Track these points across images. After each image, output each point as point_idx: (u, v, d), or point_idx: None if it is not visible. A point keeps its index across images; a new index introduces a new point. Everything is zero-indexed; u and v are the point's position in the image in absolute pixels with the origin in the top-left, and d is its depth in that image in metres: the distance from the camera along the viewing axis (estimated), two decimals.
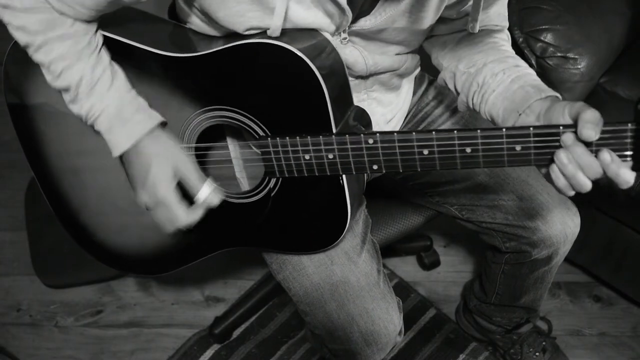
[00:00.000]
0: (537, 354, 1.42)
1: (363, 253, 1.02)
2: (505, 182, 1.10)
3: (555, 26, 1.32)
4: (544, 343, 1.43)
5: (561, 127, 0.73)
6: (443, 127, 1.13)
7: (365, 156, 0.83)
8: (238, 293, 1.65)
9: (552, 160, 0.74)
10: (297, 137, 0.84)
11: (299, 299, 1.03)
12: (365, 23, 0.87)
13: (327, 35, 0.85)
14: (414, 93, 1.16)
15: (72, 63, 0.84)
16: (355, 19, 0.86)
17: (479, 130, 0.76)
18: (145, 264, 1.09)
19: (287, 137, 0.84)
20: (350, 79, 0.88)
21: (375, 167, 0.83)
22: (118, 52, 0.89)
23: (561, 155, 0.73)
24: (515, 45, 1.34)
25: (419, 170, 0.82)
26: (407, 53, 1.00)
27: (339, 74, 0.85)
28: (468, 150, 0.78)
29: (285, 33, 0.82)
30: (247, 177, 1.00)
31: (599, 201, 1.39)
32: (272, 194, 0.91)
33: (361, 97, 0.99)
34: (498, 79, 0.90)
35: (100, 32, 0.88)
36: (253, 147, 0.98)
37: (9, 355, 1.54)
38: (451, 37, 1.01)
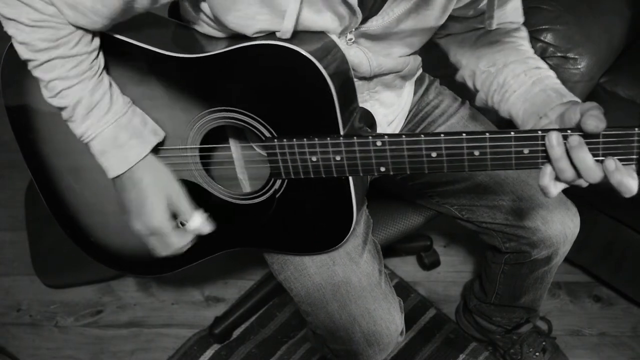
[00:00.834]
0: (537, 354, 1.42)
1: (365, 253, 1.02)
2: (505, 182, 1.10)
3: (555, 26, 1.32)
4: (544, 343, 1.43)
5: (569, 131, 0.73)
6: (443, 127, 1.13)
7: (373, 158, 0.82)
8: (238, 293, 1.65)
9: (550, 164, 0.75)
10: (304, 139, 0.83)
11: (301, 299, 1.03)
12: (372, 24, 0.87)
13: (334, 37, 0.85)
14: (415, 93, 1.16)
15: (72, 85, 0.83)
16: (363, 20, 0.86)
17: (487, 133, 0.76)
18: (145, 264, 1.09)
19: (294, 139, 0.84)
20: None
21: (382, 169, 0.83)
22: (123, 53, 0.88)
23: (562, 163, 0.73)
24: None
25: (426, 172, 0.82)
26: (410, 55, 1.00)
27: (345, 76, 0.85)
28: (476, 153, 0.78)
29: (293, 35, 0.82)
30: (248, 178, 1.00)
31: (599, 201, 1.39)
32: (277, 195, 0.91)
33: (364, 98, 0.99)
34: (520, 80, 0.90)
35: (102, 54, 0.87)
36: (256, 149, 0.98)
37: (9, 355, 1.54)
38: (469, 35, 1.01)
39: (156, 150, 0.91)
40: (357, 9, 0.81)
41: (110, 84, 0.87)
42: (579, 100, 0.85)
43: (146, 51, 0.87)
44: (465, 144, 0.77)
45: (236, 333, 1.56)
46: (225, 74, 0.85)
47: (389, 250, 1.60)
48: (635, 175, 0.72)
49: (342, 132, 0.83)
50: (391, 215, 1.26)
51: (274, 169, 0.88)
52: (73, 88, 0.83)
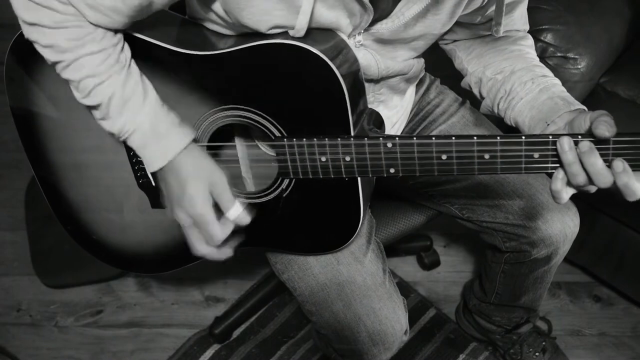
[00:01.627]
0: (537, 354, 1.42)
1: (369, 253, 1.02)
2: (506, 181, 1.10)
3: (555, 26, 1.32)
4: (544, 343, 1.43)
5: (580, 137, 0.74)
6: (444, 126, 1.14)
7: (383, 159, 0.82)
8: (238, 293, 1.65)
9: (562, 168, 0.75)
10: (314, 139, 0.83)
11: (305, 299, 1.03)
12: (382, 26, 0.87)
13: (344, 37, 0.85)
14: (416, 92, 1.16)
15: (103, 80, 0.82)
16: (373, 22, 0.86)
17: (498, 137, 0.76)
18: (146, 262, 1.09)
19: (304, 139, 0.84)
20: None
21: (392, 170, 0.83)
22: (133, 49, 0.88)
23: (574, 168, 0.73)
24: None
25: (436, 174, 0.82)
26: (414, 58, 1.01)
27: (357, 77, 0.85)
28: (486, 156, 0.78)
29: (305, 34, 0.81)
30: (253, 177, 1.00)
31: (599, 201, 1.39)
32: (284, 195, 0.91)
33: (368, 100, 0.99)
34: (527, 88, 0.91)
35: (127, 45, 0.86)
36: (263, 148, 0.98)
37: (9, 355, 1.54)
38: (476, 42, 1.02)
39: None
40: (369, 6, 0.81)
41: (141, 75, 0.86)
42: (585, 108, 0.86)
43: (156, 47, 0.87)
44: (475, 147, 0.78)
45: (236, 333, 1.56)
46: (236, 72, 0.85)
47: (389, 250, 1.59)
48: None
49: (352, 133, 0.83)
50: (392, 214, 1.26)
51: (282, 168, 0.88)
52: (104, 84, 0.82)
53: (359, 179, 0.87)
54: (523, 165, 0.78)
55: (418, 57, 1.03)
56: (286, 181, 0.90)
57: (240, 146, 0.99)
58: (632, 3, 1.42)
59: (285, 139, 0.85)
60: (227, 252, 0.88)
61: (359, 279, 0.99)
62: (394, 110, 1.07)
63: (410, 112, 1.15)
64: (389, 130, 1.07)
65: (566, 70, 1.32)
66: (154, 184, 0.98)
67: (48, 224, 1.71)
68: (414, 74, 1.02)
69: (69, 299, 1.65)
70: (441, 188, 1.16)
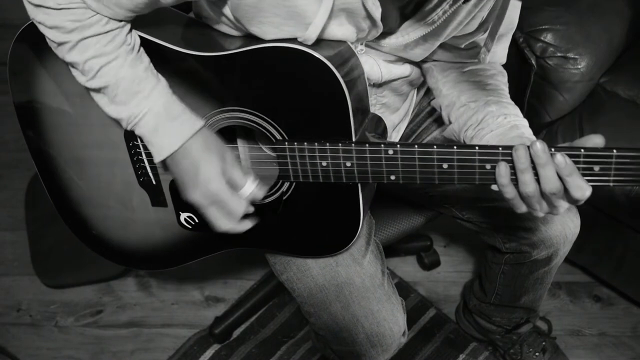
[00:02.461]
0: (537, 354, 1.42)
1: (367, 254, 1.02)
2: None
3: (555, 26, 1.32)
4: (544, 343, 1.43)
5: (582, 150, 0.74)
6: (444, 127, 1.13)
7: (384, 166, 0.82)
8: (238, 293, 1.65)
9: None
10: (315, 143, 0.83)
11: (303, 300, 1.03)
12: (386, 41, 0.88)
13: (349, 43, 0.85)
14: (417, 94, 1.16)
15: (110, 60, 0.81)
16: (379, 37, 0.87)
17: (500, 148, 0.76)
18: (147, 258, 1.09)
19: (305, 143, 0.84)
20: None
21: (393, 177, 0.83)
22: None
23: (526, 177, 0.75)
24: (515, 45, 1.34)
25: (436, 182, 0.82)
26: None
27: (360, 83, 0.85)
28: (487, 166, 0.78)
29: None
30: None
31: (599, 202, 1.39)
32: (284, 198, 0.91)
33: (371, 102, 0.99)
34: (498, 121, 0.91)
35: (135, 32, 0.85)
36: (265, 150, 0.98)
37: (9, 355, 1.54)
38: (454, 67, 1.02)
39: None
40: (380, 24, 0.81)
41: (150, 63, 0.85)
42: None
43: (160, 47, 0.87)
44: (477, 157, 0.78)
45: (236, 333, 1.56)
46: (239, 74, 0.84)
47: (389, 250, 1.60)
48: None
49: (354, 138, 0.83)
50: (392, 215, 1.26)
51: (282, 171, 0.88)
52: (112, 64, 0.81)
53: (359, 184, 0.87)
54: None
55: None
56: (286, 184, 0.90)
57: (242, 148, 0.99)
58: (632, 3, 1.42)
59: (286, 142, 0.85)
60: (247, 224, 0.87)
61: (358, 280, 0.99)
62: (396, 114, 1.07)
63: (412, 114, 1.15)
64: (391, 132, 1.07)
65: (566, 70, 1.32)
66: (154, 182, 0.98)
67: (48, 224, 1.71)
68: (415, 76, 1.02)
69: (69, 299, 1.65)
70: (441, 189, 1.16)
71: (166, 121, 0.83)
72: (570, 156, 0.73)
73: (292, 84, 0.82)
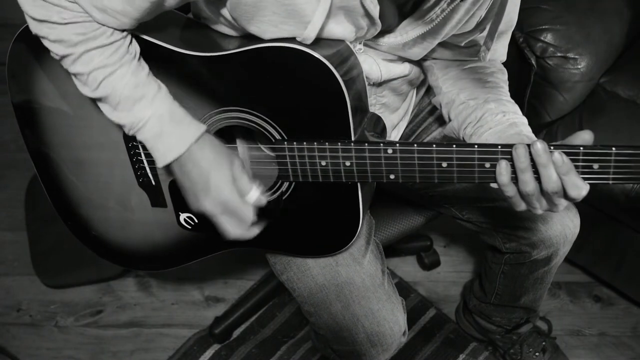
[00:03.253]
0: (537, 354, 1.42)
1: (367, 254, 1.02)
2: None
3: (555, 26, 1.32)
4: (543, 343, 1.43)
5: (581, 148, 0.74)
6: (444, 127, 1.13)
7: (383, 165, 0.82)
8: (238, 293, 1.65)
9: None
10: (315, 143, 0.83)
11: (304, 299, 1.03)
12: (384, 40, 0.88)
13: (348, 42, 0.85)
14: (416, 94, 1.16)
15: (113, 70, 0.81)
16: (378, 35, 0.87)
17: (499, 146, 0.76)
18: (146, 259, 1.09)
19: (304, 142, 0.84)
20: None
21: (392, 176, 0.83)
22: None
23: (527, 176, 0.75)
24: (515, 45, 1.34)
25: (436, 182, 0.82)
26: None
27: (359, 82, 0.85)
28: (487, 165, 0.78)
29: None
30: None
31: (599, 202, 1.39)
32: (284, 198, 0.91)
33: (370, 102, 0.99)
34: (497, 119, 0.91)
35: (135, 40, 0.85)
36: (265, 150, 0.98)
37: (9, 355, 1.54)
38: (454, 65, 1.02)
39: None
40: (378, 21, 0.82)
41: (149, 70, 0.85)
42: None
43: (159, 47, 0.87)
44: (476, 156, 0.78)
45: (236, 333, 1.56)
46: (238, 74, 0.84)
47: (389, 250, 1.60)
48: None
49: (353, 138, 0.83)
50: (392, 215, 1.26)
51: (282, 171, 0.88)
52: (115, 74, 0.81)
53: (358, 183, 0.87)
54: None
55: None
56: (286, 184, 0.90)
57: (241, 148, 0.99)
58: (632, 3, 1.42)
59: (285, 142, 0.85)
60: (255, 230, 0.87)
61: (358, 280, 0.99)
62: (396, 113, 1.07)
63: (411, 113, 1.15)
64: (391, 131, 1.07)
65: (566, 70, 1.32)
66: (154, 182, 0.98)
67: (48, 224, 1.71)
68: (415, 75, 1.02)
69: (69, 299, 1.65)
70: (441, 189, 1.16)
71: (170, 126, 0.82)
72: (569, 154, 0.73)
73: (291, 84, 0.82)
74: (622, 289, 1.58)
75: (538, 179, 0.75)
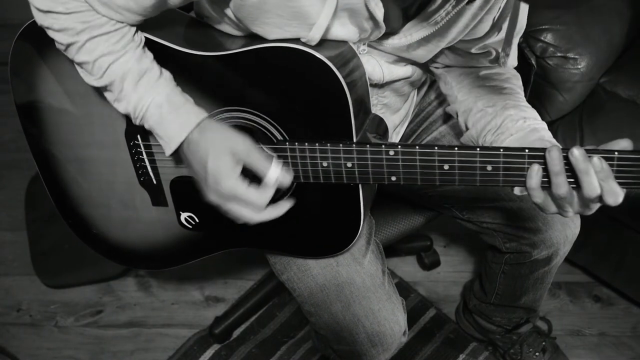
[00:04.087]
0: (537, 354, 1.42)
1: (368, 254, 1.02)
2: None
3: (555, 26, 1.32)
4: (544, 343, 1.43)
5: (616, 152, 0.73)
6: (444, 126, 1.14)
7: (385, 167, 0.82)
8: (238, 293, 1.65)
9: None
10: (316, 144, 0.83)
11: (304, 299, 1.03)
12: (388, 42, 0.88)
13: (351, 44, 0.85)
14: (417, 93, 1.16)
15: (118, 58, 0.81)
16: (382, 37, 0.87)
17: (501, 149, 0.76)
18: (147, 258, 1.09)
19: (306, 143, 0.83)
20: None
21: (393, 178, 0.83)
22: None
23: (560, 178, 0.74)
24: None
25: (437, 184, 0.81)
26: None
27: (361, 84, 0.85)
28: (489, 167, 0.78)
29: None
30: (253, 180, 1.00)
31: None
32: (285, 198, 0.91)
33: (372, 103, 0.99)
34: (518, 125, 0.90)
35: (140, 31, 0.85)
36: (266, 151, 0.98)
37: (9, 355, 1.54)
38: (466, 73, 1.01)
39: None
40: (382, 25, 0.81)
41: (153, 57, 0.85)
42: None
43: (162, 47, 0.87)
44: (478, 158, 0.77)
45: (236, 333, 1.56)
46: (240, 74, 0.84)
47: (389, 250, 1.60)
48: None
49: (355, 139, 0.83)
50: (392, 215, 1.26)
51: None
52: (120, 60, 0.81)
53: (360, 184, 0.87)
54: (526, 178, 0.77)
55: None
56: None
57: None
58: (632, 3, 1.42)
59: (287, 143, 0.85)
60: (279, 210, 0.84)
61: (358, 280, 0.99)
62: (397, 114, 1.07)
63: (412, 114, 1.15)
64: (391, 132, 1.07)
65: (566, 70, 1.32)
66: (155, 181, 0.98)
67: (48, 224, 1.71)
68: (417, 77, 1.02)
69: (69, 299, 1.65)
70: (441, 189, 1.16)
71: (169, 112, 0.82)
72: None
73: (294, 84, 0.82)
74: (622, 289, 1.58)
75: (574, 183, 0.74)
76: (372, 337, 1.01)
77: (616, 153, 0.73)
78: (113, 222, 1.06)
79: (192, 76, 0.88)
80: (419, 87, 1.16)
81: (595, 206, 0.76)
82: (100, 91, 0.88)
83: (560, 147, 0.74)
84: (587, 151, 0.72)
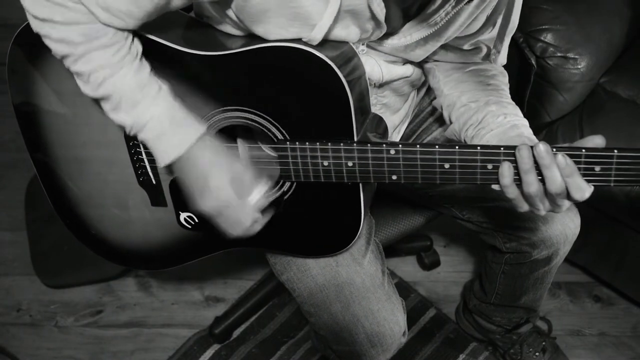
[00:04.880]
0: (537, 354, 1.42)
1: (368, 254, 1.02)
2: None
3: (555, 26, 1.32)
4: (544, 343, 1.43)
5: (583, 150, 0.74)
6: (444, 127, 1.13)
7: (386, 166, 0.82)
8: (238, 293, 1.65)
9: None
10: (317, 143, 0.83)
11: (304, 300, 1.03)
12: (388, 42, 0.88)
13: (351, 44, 0.86)
14: (417, 94, 1.16)
15: (115, 71, 0.81)
16: (381, 37, 0.87)
17: (502, 148, 0.77)
18: (146, 258, 1.09)
19: (307, 142, 0.84)
20: None
21: (394, 177, 0.83)
22: None
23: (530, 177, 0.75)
24: (515, 45, 1.34)
25: (438, 182, 0.82)
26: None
27: (362, 83, 0.85)
28: (489, 166, 0.78)
29: None
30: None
31: (599, 202, 1.39)
32: (285, 197, 0.91)
33: (372, 103, 0.99)
34: (498, 121, 0.92)
35: (137, 39, 0.85)
36: (266, 150, 0.98)
37: (9, 355, 1.54)
38: (455, 68, 1.02)
39: None
40: (384, 25, 0.82)
41: (151, 70, 0.84)
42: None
43: (161, 46, 0.86)
44: (479, 157, 0.78)
45: (236, 333, 1.56)
46: (241, 74, 0.84)
47: (389, 250, 1.60)
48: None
49: (355, 138, 0.83)
50: (392, 215, 1.26)
51: (284, 171, 0.88)
52: (117, 74, 0.81)
53: (360, 184, 0.87)
54: None
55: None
56: (288, 184, 0.90)
57: (242, 148, 0.99)
58: (632, 3, 1.42)
59: (287, 142, 0.85)
60: (256, 228, 0.88)
61: (358, 280, 0.99)
62: (397, 114, 1.07)
63: (412, 114, 1.15)
64: (392, 132, 1.07)
65: (566, 70, 1.32)
66: (154, 182, 0.98)
67: (48, 224, 1.71)
68: (417, 76, 1.02)
69: (69, 299, 1.65)
70: (441, 189, 1.16)
71: (170, 127, 0.82)
72: (571, 156, 0.74)
73: (295, 84, 0.82)
74: (622, 289, 1.58)
75: (541, 180, 0.75)
76: (372, 338, 1.01)
77: (583, 150, 0.74)
78: (111, 223, 1.06)
79: (192, 76, 0.88)
80: (419, 87, 1.16)
81: (564, 203, 0.78)
82: None
83: (530, 146, 0.75)
84: (557, 149, 0.74)
